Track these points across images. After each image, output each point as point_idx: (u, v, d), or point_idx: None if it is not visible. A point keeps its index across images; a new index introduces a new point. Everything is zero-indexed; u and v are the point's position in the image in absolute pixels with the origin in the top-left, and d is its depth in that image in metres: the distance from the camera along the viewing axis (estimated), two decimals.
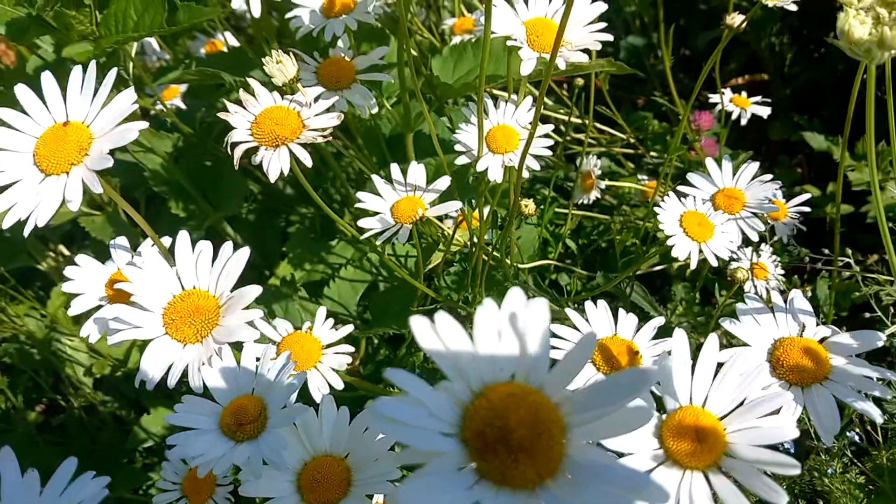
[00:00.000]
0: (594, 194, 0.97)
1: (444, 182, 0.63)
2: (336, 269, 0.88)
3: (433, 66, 0.76)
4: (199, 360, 0.44)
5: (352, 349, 0.59)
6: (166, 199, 0.90)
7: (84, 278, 0.51)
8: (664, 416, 0.39)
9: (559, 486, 0.26)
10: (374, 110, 0.66)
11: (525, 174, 0.63)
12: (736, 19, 0.77)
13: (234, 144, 0.48)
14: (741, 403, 0.39)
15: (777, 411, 0.41)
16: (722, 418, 0.39)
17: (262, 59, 0.50)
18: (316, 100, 0.50)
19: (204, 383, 0.43)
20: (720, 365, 0.40)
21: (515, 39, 0.56)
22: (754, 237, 0.62)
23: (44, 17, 0.62)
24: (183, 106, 1.06)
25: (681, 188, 0.65)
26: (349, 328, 0.60)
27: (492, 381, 0.28)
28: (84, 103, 0.42)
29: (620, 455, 0.37)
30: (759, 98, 0.96)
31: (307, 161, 0.47)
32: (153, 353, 0.44)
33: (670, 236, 0.58)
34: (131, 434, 0.95)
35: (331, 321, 0.60)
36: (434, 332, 0.28)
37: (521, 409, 0.27)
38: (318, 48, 0.68)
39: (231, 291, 0.46)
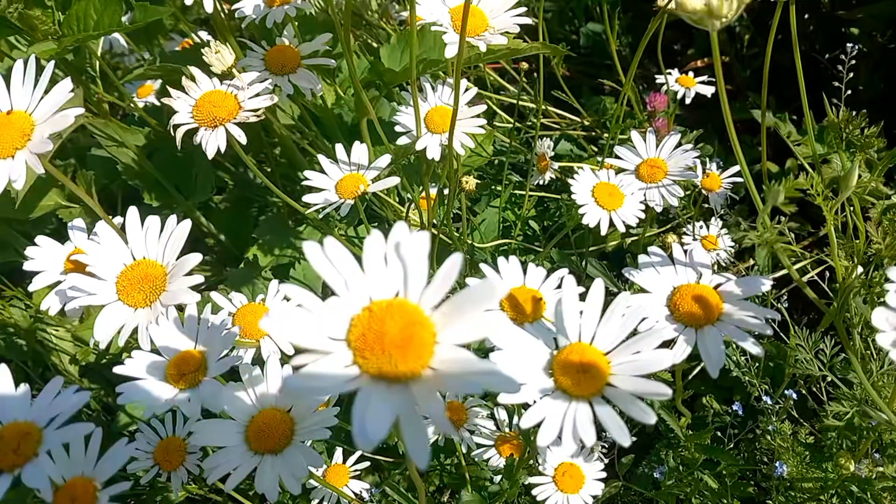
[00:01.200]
0: (549, 175, 1.01)
1: (384, 160, 0.67)
2: (303, 252, 0.93)
3: (381, 54, 0.80)
4: (148, 321, 0.48)
5: None
6: (140, 190, 0.95)
7: (44, 257, 0.55)
8: (555, 353, 0.44)
9: (427, 377, 0.31)
10: (319, 93, 0.70)
11: (461, 150, 0.68)
12: None
13: (176, 126, 0.53)
14: (626, 339, 0.44)
15: (669, 344, 0.46)
16: (608, 353, 0.44)
17: (202, 50, 0.55)
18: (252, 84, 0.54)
19: (151, 340, 0.48)
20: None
21: (441, 25, 0.61)
22: (674, 203, 0.66)
23: (8, 19, 0.66)
24: (157, 102, 1.11)
25: (609, 160, 0.70)
26: None
27: (377, 297, 0.33)
28: (26, 94, 0.46)
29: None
30: (704, 78, 1.00)
31: (241, 139, 0.52)
32: (106, 317, 0.49)
33: (582, 205, 0.63)
34: (116, 418, 1.00)
35: (282, 293, 0.65)
36: (324, 255, 0.32)
37: (397, 316, 0.32)
38: (271, 39, 0.72)
39: (176, 260, 0.50)
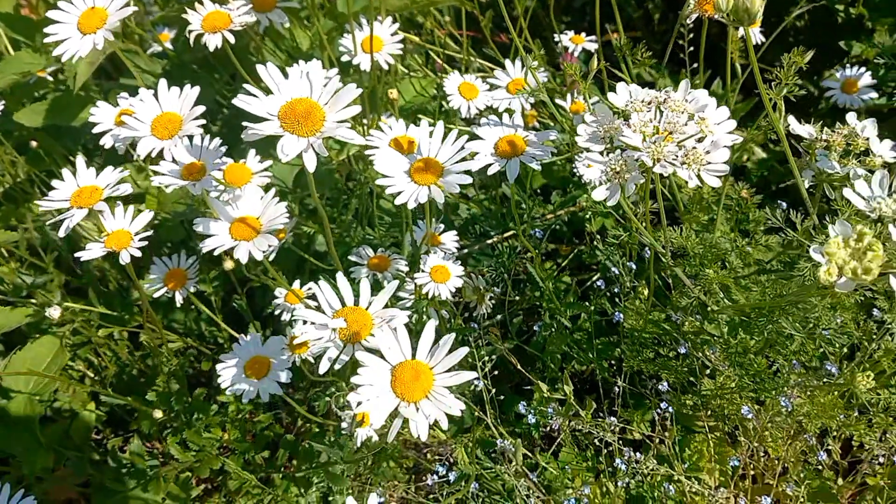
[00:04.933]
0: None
1: (333, 71, 0.97)
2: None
3: (337, 3, 1.11)
4: (171, 146, 0.79)
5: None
6: None
7: (102, 114, 0.86)
8: (413, 162, 0.74)
9: (318, 135, 0.62)
10: (286, 25, 1.01)
11: (385, 66, 0.98)
12: None
13: (191, 31, 0.83)
14: (454, 155, 0.74)
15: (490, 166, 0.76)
16: (443, 162, 0.74)
17: None
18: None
19: (173, 156, 0.78)
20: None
21: None
22: (528, 108, 0.97)
23: None
24: (171, 47, 1.41)
25: (489, 80, 1.00)
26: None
27: (295, 96, 0.63)
28: None
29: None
30: (591, 38, 1.31)
31: (231, 39, 0.82)
32: (144, 143, 0.79)
33: (449, 95, 0.94)
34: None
35: (262, 166, 0.95)
36: (267, 72, 0.63)
37: (304, 103, 0.62)
38: None
39: (189, 111, 0.81)
